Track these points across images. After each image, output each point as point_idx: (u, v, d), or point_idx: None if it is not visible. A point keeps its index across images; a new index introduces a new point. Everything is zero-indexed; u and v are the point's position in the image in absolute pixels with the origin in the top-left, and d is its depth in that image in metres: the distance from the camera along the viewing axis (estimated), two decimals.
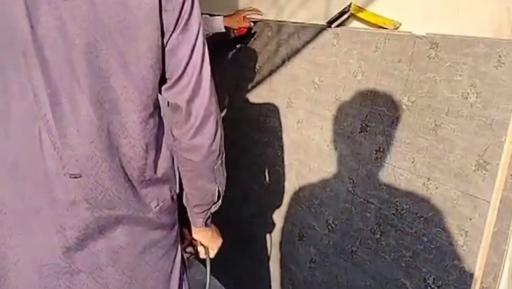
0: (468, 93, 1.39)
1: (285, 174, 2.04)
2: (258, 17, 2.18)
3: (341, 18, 1.83)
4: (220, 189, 1.11)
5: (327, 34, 1.86)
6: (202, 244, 1.22)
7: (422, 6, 1.59)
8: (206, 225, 1.16)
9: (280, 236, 2.10)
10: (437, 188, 1.47)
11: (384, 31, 1.67)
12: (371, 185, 1.67)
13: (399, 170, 1.58)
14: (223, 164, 1.09)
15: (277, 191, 2.08)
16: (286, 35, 2.05)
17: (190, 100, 0.95)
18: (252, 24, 2.17)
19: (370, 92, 1.69)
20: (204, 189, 1.08)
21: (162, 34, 0.89)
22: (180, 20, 0.89)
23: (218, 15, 2.23)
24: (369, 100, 1.69)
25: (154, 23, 0.86)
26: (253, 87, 2.23)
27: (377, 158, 1.66)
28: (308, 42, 1.94)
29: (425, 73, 1.51)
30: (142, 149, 0.95)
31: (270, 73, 2.13)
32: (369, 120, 1.69)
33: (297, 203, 1.99)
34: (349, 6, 1.79)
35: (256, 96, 2.22)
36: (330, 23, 1.86)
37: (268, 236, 2.15)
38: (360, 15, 1.79)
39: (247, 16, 2.16)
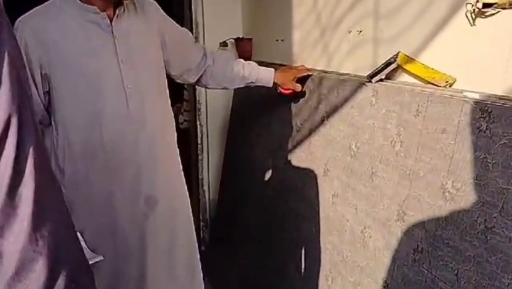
0: None
1: (319, 259, 1.67)
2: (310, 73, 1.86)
3: (386, 70, 1.45)
4: None
5: (367, 91, 1.49)
6: None
7: (483, 57, 1.16)
8: None
9: None
10: None
11: (428, 90, 1.26)
12: None
13: (440, 282, 1.14)
14: None
15: (311, 280, 1.71)
16: (326, 89, 1.71)
17: None
18: (303, 90, 1.85)
19: (409, 169, 1.27)
20: None
21: None
22: None
23: (261, 63, 1.97)
24: (407, 180, 1.27)
25: None
26: (294, 147, 1.90)
27: (415, 260, 1.23)
28: (346, 100, 1.58)
29: (473, 150, 1.07)
30: None
31: (310, 133, 1.79)
32: (407, 206, 1.27)
33: None
34: (396, 56, 1.41)
35: (297, 158, 1.88)
36: (371, 76, 1.49)
37: None
38: (407, 67, 1.40)
39: (300, 76, 1.84)
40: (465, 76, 1.22)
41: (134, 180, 1.53)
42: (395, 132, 1.33)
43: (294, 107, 1.94)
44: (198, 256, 1.68)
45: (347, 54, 1.72)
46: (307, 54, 2.01)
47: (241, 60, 1.83)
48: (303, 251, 1.77)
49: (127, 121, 1.49)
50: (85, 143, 1.48)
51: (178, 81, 1.76)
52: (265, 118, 2.19)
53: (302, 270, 1.76)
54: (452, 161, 1.13)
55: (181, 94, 3.24)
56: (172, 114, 1.63)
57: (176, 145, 1.63)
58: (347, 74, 1.68)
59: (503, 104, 1.02)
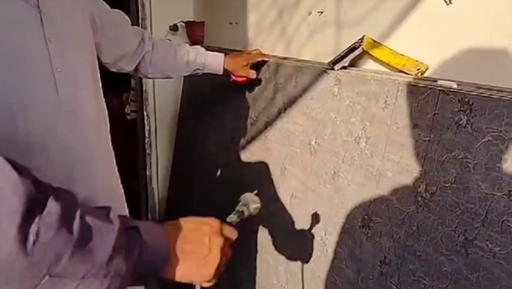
0: None
1: (274, 267, 1.50)
2: (266, 58, 1.68)
3: (350, 56, 1.29)
4: None
5: (328, 79, 1.32)
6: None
7: (461, 41, 1.01)
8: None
9: None
10: None
11: (398, 78, 1.10)
12: None
13: None
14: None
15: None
16: (284, 77, 1.53)
17: None
18: (257, 76, 1.66)
19: (376, 169, 1.12)
20: None
21: None
22: None
23: (216, 48, 1.77)
24: (374, 181, 1.12)
25: None
26: (249, 142, 1.72)
27: (381, 273, 1.07)
28: (306, 89, 1.41)
29: (452, 150, 0.92)
30: None
31: (266, 126, 1.61)
32: (373, 211, 1.11)
33: None
34: (361, 40, 1.25)
35: (251, 154, 1.70)
36: (334, 63, 1.32)
37: None
38: (374, 52, 1.23)
39: (254, 62, 1.66)
40: (439, 62, 1.07)
41: (67, 182, 1.31)
42: (360, 126, 1.17)
43: (248, 97, 1.75)
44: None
45: (307, 38, 1.55)
46: (263, 38, 1.83)
47: (186, 45, 1.63)
48: (257, 258, 1.60)
49: (57, 110, 1.27)
50: (5, 138, 1.24)
51: (113, 70, 1.54)
52: (218, 110, 2.00)
53: (256, 278, 1.59)
54: (425, 161, 0.98)
55: (128, 82, 3.00)
56: (105, 105, 1.41)
57: (110, 144, 1.42)
58: (307, 60, 1.51)
59: (487, 94, 0.87)
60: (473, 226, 0.86)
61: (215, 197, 1.93)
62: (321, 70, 1.35)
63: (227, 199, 1.84)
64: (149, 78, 1.68)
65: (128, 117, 3.13)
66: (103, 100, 1.42)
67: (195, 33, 2.46)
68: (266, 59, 1.66)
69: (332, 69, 1.31)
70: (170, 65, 1.58)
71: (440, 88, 0.97)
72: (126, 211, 1.46)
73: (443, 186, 0.93)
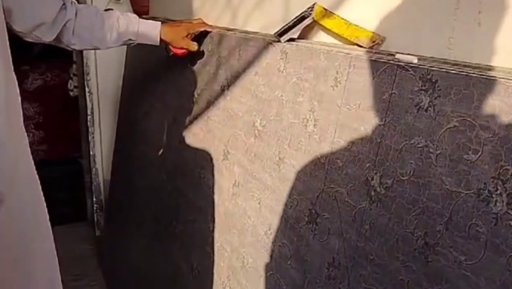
0: (489, 191, 0.65)
1: (215, 262, 1.35)
2: (208, 29, 1.49)
3: (299, 26, 1.12)
4: None
5: (274, 52, 1.15)
6: None
7: (422, 9, 0.86)
8: None
9: None
10: None
11: (351, 52, 0.94)
12: None
13: None
14: None
15: (205, 284, 1.39)
16: (227, 51, 1.36)
17: None
18: (199, 48, 1.48)
19: (324, 156, 0.97)
20: None
21: None
22: None
23: (162, 20, 1.58)
24: (322, 170, 0.97)
25: None
26: (190, 122, 1.55)
27: (329, 276, 0.93)
28: (250, 64, 1.24)
29: (410, 136, 0.78)
30: None
31: (208, 105, 1.44)
32: (321, 205, 0.97)
33: None
34: (311, 8, 1.08)
35: (193, 136, 1.53)
36: (281, 34, 1.15)
37: None
38: (325, 23, 1.07)
39: (196, 32, 1.47)
40: (398, 34, 0.92)
41: None
42: (308, 108, 1.02)
43: (191, 72, 1.57)
44: (58, 268, 1.30)
45: (254, 7, 1.38)
46: (209, 8, 1.65)
47: (116, 11, 1.43)
48: (198, 251, 1.45)
49: None
50: None
51: (29, 39, 1.33)
52: (159, 86, 1.81)
53: (196, 273, 1.44)
54: (380, 149, 0.83)
55: (70, 55, 2.76)
56: (16, 80, 1.20)
57: (23, 124, 1.21)
58: (254, 32, 1.34)
59: (453, 71, 0.72)
60: (435, 229, 0.72)
61: (155, 182, 1.76)
62: (267, 42, 1.18)
63: (168, 185, 1.67)
64: (74, 49, 1.48)
65: (71, 93, 2.88)
66: (14, 74, 1.22)
67: (139, 2, 2.26)
68: (209, 29, 1.48)
69: (278, 41, 1.14)
70: (97, 36, 1.38)
71: (398, 63, 0.81)
72: (40, 195, 1.26)
73: (400, 179, 0.79)
